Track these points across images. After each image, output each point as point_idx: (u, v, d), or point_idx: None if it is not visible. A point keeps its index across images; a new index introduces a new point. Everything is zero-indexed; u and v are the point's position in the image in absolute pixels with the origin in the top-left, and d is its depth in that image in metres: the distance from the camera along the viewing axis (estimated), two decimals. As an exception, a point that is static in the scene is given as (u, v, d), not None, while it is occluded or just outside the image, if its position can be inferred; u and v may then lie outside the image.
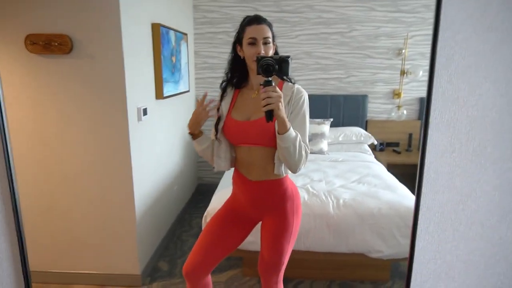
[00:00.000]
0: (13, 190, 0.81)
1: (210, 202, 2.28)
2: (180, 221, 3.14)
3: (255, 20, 1.39)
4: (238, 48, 1.44)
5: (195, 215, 3.26)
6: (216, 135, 1.49)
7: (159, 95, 2.52)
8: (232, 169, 1.58)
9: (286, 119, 1.24)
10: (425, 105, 0.67)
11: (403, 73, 3.44)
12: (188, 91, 3.28)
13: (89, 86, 1.99)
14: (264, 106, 1.17)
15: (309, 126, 3.32)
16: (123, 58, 1.95)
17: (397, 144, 3.51)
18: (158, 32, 2.41)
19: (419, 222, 0.71)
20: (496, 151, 0.69)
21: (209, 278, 1.61)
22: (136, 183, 2.17)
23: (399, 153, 3.42)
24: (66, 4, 1.88)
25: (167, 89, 2.64)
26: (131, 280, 2.25)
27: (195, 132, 1.47)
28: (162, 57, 2.48)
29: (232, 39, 1.48)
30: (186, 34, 3.15)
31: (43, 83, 1.98)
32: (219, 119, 1.49)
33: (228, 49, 1.51)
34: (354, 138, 3.37)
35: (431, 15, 0.63)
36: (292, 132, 1.27)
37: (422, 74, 3.31)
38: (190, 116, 1.45)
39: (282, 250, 1.46)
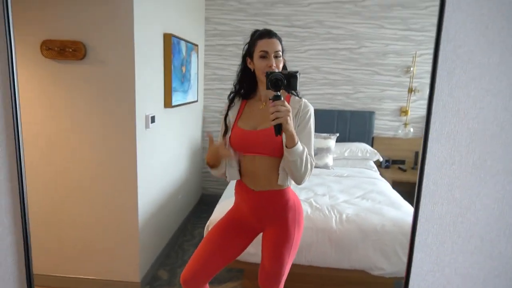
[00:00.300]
0: (22, 195, 0.82)
1: (213, 212, 2.29)
2: (183, 230, 3.13)
3: (266, 34, 1.42)
4: (248, 60, 1.47)
5: (197, 225, 3.25)
6: (225, 145, 1.52)
7: (168, 103, 2.56)
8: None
9: (295, 133, 1.27)
10: (426, 116, 0.68)
11: (410, 90, 3.44)
12: (196, 101, 3.32)
13: (100, 92, 2.03)
14: (273, 120, 1.21)
15: (315, 140, 3.34)
16: (135, 65, 1.99)
17: (403, 162, 3.49)
18: (170, 42, 2.46)
19: (417, 233, 0.71)
20: (496, 164, 0.69)
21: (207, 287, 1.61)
22: (141, 190, 2.18)
23: (404, 170, 3.39)
24: (81, 12, 1.94)
25: (176, 98, 2.67)
26: (130, 287, 2.24)
27: (215, 165, 1.49)
28: (172, 66, 2.52)
29: (241, 52, 1.52)
30: (197, 45, 3.21)
31: (56, 87, 2.03)
32: (227, 129, 1.52)
33: (237, 61, 1.54)
34: (359, 154, 3.36)
35: (440, 34, 0.64)
36: (299, 146, 1.30)
37: (430, 93, 3.30)
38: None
39: (282, 260, 1.46)
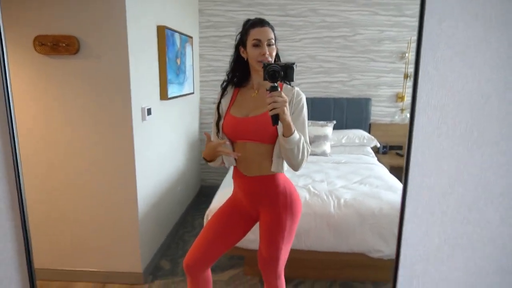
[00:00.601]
0: (20, 190, 0.84)
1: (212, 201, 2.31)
2: (183, 222, 3.16)
3: (259, 22, 1.44)
4: (241, 49, 1.48)
5: (197, 216, 3.28)
6: (217, 132, 1.54)
7: (164, 96, 2.57)
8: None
9: (291, 123, 1.30)
10: (412, 89, 0.69)
11: (406, 76, 3.45)
12: (192, 93, 3.32)
13: (94, 86, 2.03)
14: (271, 110, 1.23)
15: (312, 128, 3.34)
16: (129, 58, 1.99)
17: (400, 147, 3.51)
18: (163, 34, 2.46)
19: (407, 205, 0.73)
20: (482, 135, 0.70)
21: (209, 272, 1.64)
22: (139, 182, 2.20)
23: (402, 156, 3.41)
24: (73, 6, 1.94)
25: (172, 90, 2.68)
26: (133, 278, 2.27)
27: (212, 160, 1.52)
28: (167, 58, 2.53)
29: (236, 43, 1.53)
30: (191, 37, 3.21)
31: (50, 83, 2.03)
32: (219, 117, 1.54)
33: (232, 52, 1.55)
34: (357, 141, 3.38)
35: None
36: (296, 134, 1.33)
37: (425, 78, 3.31)
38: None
39: (277, 246, 1.48)
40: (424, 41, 0.67)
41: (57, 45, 1.96)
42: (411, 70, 3.43)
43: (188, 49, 3.11)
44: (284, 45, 3.49)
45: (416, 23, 0.68)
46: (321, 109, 3.56)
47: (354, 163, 3.02)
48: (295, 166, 1.41)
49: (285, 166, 1.50)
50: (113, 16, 1.95)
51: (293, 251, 2.09)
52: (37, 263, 1.06)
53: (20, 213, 0.84)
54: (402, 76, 3.50)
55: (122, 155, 2.11)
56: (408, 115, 2.70)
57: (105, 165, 2.13)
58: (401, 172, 2.93)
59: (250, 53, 1.42)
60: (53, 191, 2.16)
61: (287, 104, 1.25)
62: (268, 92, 1.23)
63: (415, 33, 0.67)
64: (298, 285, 2.28)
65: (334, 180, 2.58)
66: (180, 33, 2.85)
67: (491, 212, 0.72)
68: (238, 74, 1.55)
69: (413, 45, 3.37)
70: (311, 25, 3.52)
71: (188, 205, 3.37)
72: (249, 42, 1.42)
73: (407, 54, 3.42)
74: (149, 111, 2.29)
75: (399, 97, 3.55)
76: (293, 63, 1.27)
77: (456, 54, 0.68)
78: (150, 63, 2.37)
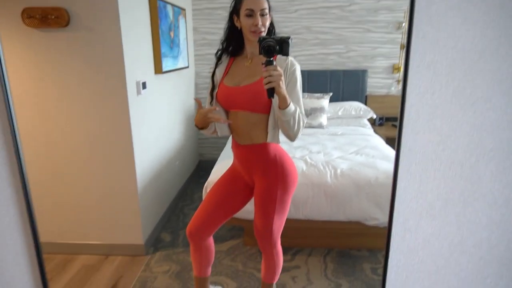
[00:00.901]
0: (20, 165, 0.84)
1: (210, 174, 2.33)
2: (182, 195, 3.20)
3: None
4: (235, 18, 1.46)
5: (196, 189, 3.32)
6: (211, 102, 1.55)
7: (158, 69, 2.54)
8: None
9: (287, 96, 1.31)
10: (405, 47, 0.69)
11: (403, 47, 3.41)
12: (187, 67, 3.29)
13: (87, 59, 2.01)
14: (266, 84, 1.24)
15: (309, 101, 3.33)
16: (121, 31, 1.96)
17: (396, 119, 3.51)
18: (155, 5, 2.41)
19: (400, 162, 0.74)
20: (475, 92, 0.71)
21: (211, 240, 1.68)
22: (137, 156, 2.21)
23: (398, 127, 3.43)
24: (61, -24, 1.88)
25: (166, 64, 2.65)
26: (135, 249, 2.33)
27: (204, 127, 1.51)
28: (160, 31, 2.48)
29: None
30: (184, 9, 3.14)
31: (42, 57, 2.01)
32: (213, 86, 1.54)
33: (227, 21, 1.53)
34: (353, 113, 3.39)
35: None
36: (292, 106, 1.34)
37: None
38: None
39: (269, 216, 1.51)
40: (418, -4, 0.66)
41: (46, 18, 1.92)
42: (408, 40, 3.39)
43: (181, 22, 3.06)
44: (279, 17, 3.43)
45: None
46: (317, 82, 3.54)
47: (350, 135, 3.04)
48: (291, 137, 1.43)
49: (282, 137, 1.51)
50: (102, -14, 1.90)
51: (290, 221, 2.15)
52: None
53: (23, 188, 0.85)
54: (399, 47, 3.46)
55: (119, 129, 2.11)
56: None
57: (102, 139, 2.13)
58: (397, 143, 2.95)
59: (243, 22, 1.41)
60: (50, 166, 2.17)
61: (282, 77, 1.26)
62: (263, 66, 1.24)
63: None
64: (296, 253, 2.34)
65: (330, 151, 2.61)
66: (173, 5, 2.79)
67: (482, 168, 0.74)
68: (233, 43, 1.53)
69: (410, 14, 3.33)
70: (306, -5, 3.44)
71: (187, 179, 3.41)
72: (242, 11, 1.40)
73: (404, 24, 3.37)
74: (144, 85, 2.27)
75: (396, 68, 3.53)
76: (289, 37, 1.26)
77: (449, 9, 0.67)
78: (143, 36, 2.33)
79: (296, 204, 2.19)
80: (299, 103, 1.44)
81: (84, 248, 2.32)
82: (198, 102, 1.46)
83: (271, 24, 1.47)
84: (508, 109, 0.72)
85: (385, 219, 2.17)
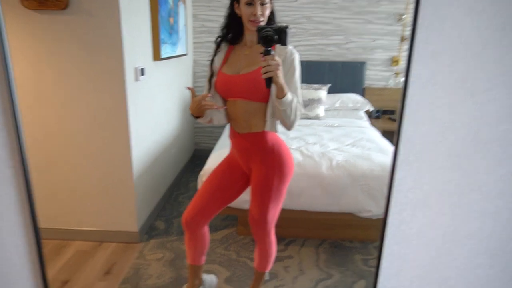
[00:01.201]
0: (21, 149, 0.83)
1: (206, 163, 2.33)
2: (177, 184, 3.20)
3: None
4: (236, 5, 1.44)
5: (191, 178, 3.32)
6: (209, 89, 1.54)
7: (157, 56, 2.51)
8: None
9: (285, 85, 1.31)
10: (410, 37, 0.69)
11: (403, 39, 3.41)
12: (186, 54, 3.26)
13: (86, 43, 1.98)
14: (264, 73, 1.24)
15: (307, 92, 3.32)
16: (120, 15, 1.93)
17: (393, 112, 3.53)
18: (155, -10, 2.37)
19: (399, 153, 0.74)
20: (476, 84, 0.71)
21: (207, 228, 1.69)
22: (134, 142, 2.20)
23: (394, 120, 3.44)
24: (59, -43, 1.84)
25: (165, 51, 2.62)
26: (129, 236, 2.33)
27: (200, 115, 1.48)
28: (159, 17, 2.45)
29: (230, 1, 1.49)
30: (183, -4, 3.10)
31: (39, 40, 1.97)
32: (212, 74, 1.53)
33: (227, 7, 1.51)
34: (350, 105, 3.38)
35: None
36: (289, 96, 1.34)
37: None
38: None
39: (265, 204, 1.52)
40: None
41: (45, 0, 1.88)
42: (408, 33, 3.37)
43: (181, 8, 3.02)
44: (280, 6, 3.40)
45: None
46: (315, 73, 3.53)
47: (347, 126, 3.04)
48: (288, 126, 1.43)
49: (279, 127, 1.51)
50: (102, -31, 1.86)
51: (285, 211, 2.15)
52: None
53: (23, 172, 0.85)
54: (399, 39, 3.45)
55: (116, 115, 2.10)
56: (403, 79, 2.69)
57: (99, 125, 2.11)
58: (392, 136, 2.97)
59: (243, 11, 1.39)
60: (46, 151, 2.16)
61: (281, 67, 1.26)
62: (262, 55, 1.24)
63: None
64: (289, 243, 2.35)
65: (327, 143, 2.61)
66: (172, -10, 2.75)
67: (478, 160, 0.74)
68: (232, 30, 1.52)
69: (411, 6, 3.31)
70: (307, -16, 3.41)
71: (182, 168, 3.40)
72: (242, 0, 1.38)
73: (405, 16, 3.35)
74: (142, 71, 2.25)
75: (394, 61, 3.52)
76: (287, 27, 1.26)
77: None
78: (142, 21, 2.30)
79: (291, 195, 2.19)
80: (296, 92, 1.44)
81: (79, 234, 2.32)
82: (191, 90, 1.45)
83: (272, 13, 1.46)
84: (508, 101, 0.72)
85: (378, 211, 2.19)
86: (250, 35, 1.46)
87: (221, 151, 2.35)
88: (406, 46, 3.43)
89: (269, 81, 1.26)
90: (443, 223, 0.80)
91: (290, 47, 1.45)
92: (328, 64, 3.54)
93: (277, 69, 1.24)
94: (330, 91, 3.46)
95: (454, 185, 0.76)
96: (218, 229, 2.50)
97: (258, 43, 1.25)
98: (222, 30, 1.54)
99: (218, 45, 1.55)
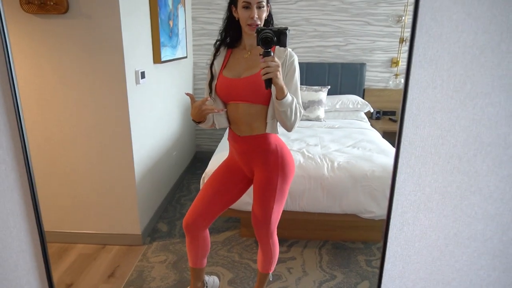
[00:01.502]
0: (26, 155, 0.84)
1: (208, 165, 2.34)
2: (179, 186, 3.21)
3: None
4: (233, 9, 1.46)
5: (193, 180, 3.33)
6: (210, 93, 1.54)
7: (157, 59, 2.52)
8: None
9: (284, 86, 1.32)
10: (409, 41, 0.70)
11: (402, 40, 3.42)
12: (186, 57, 3.27)
13: (86, 47, 1.99)
14: (264, 75, 1.25)
15: (307, 93, 3.33)
16: (120, 18, 1.94)
17: (393, 113, 3.54)
18: (155, -6, 2.38)
19: (400, 156, 0.76)
20: (475, 87, 0.72)
21: (207, 233, 1.69)
22: (135, 145, 2.21)
23: (395, 121, 3.45)
24: (60, -38, 1.86)
25: (165, 54, 2.63)
26: (132, 239, 2.34)
27: (201, 120, 1.49)
28: (159, 20, 2.46)
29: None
30: (183, -1, 3.11)
31: (40, 44, 1.99)
32: (212, 78, 1.54)
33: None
34: (351, 106, 3.40)
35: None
36: (289, 97, 1.35)
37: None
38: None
39: (268, 205, 1.53)
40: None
41: (45, 4, 1.89)
42: (407, 34, 3.39)
43: (180, 11, 3.03)
44: (279, 8, 3.41)
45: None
46: (315, 74, 3.54)
47: (347, 128, 3.05)
48: (288, 127, 1.44)
49: (280, 129, 1.52)
50: (102, -27, 1.88)
51: (287, 213, 2.17)
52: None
53: (28, 176, 0.86)
54: (398, 40, 3.46)
55: (118, 118, 2.11)
56: (402, 81, 2.70)
57: (101, 129, 2.12)
58: (393, 137, 2.98)
59: (240, 14, 1.41)
60: (48, 155, 2.17)
61: (280, 68, 1.27)
62: (261, 57, 1.25)
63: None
64: (292, 245, 2.36)
65: (328, 144, 2.62)
66: (172, -6, 2.76)
67: (479, 162, 0.75)
68: (231, 33, 1.53)
69: (410, 8, 3.32)
70: (306, -13, 3.42)
71: (183, 170, 3.41)
72: (239, 3, 1.40)
73: (403, 17, 3.36)
74: (142, 74, 2.26)
75: (394, 62, 3.54)
76: (286, 28, 1.27)
77: (453, 4, 0.68)
78: (142, 24, 2.32)
79: (293, 196, 2.21)
80: (296, 94, 1.45)
81: (81, 237, 2.33)
82: (190, 96, 1.45)
83: (269, 15, 1.47)
84: (507, 104, 0.73)
85: (380, 212, 2.20)
86: (249, 39, 1.47)
87: (223, 153, 2.36)
88: (405, 47, 3.45)
89: (269, 82, 1.27)
90: (445, 225, 0.81)
91: (289, 49, 1.46)
92: (328, 65, 3.56)
93: (277, 70, 1.24)
94: (330, 93, 3.47)
95: (456, 188, 0.77)
96: (221, 231, 2.51)
97: (258, 44, 1.26)
98: (220, 34, 1.55)
99: (217, 49, 1.56)
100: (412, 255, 0.84)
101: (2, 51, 0.81)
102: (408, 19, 3.37)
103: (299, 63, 1.49)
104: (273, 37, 1.24)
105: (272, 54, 1.25)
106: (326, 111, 3.36)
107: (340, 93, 3.57)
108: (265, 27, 1.30)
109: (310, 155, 2.38)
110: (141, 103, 2.30)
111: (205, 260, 1.75)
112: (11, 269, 0.87)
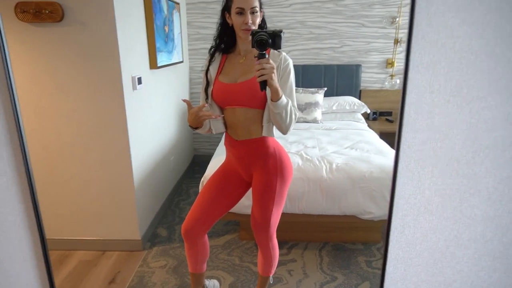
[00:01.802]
0: (26, 161, 0.85)
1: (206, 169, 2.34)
2: (178, 190, 3.21)
3: None
4: (227, 15, 1.47)
5: (191, 184, 3.33)
6: (206, 99, 1.55)
7: (153, 64, 2.53)
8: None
9: (279, 88, 1.33)
10: (406, 47, 0.71)
11: (396, 41, 3.44)
12: (182, 61, 3.28)
13: (82, 55, 1.99)
14: (259, 76, 1.26)
15: (303, 96, 3.34)
16: (116, 25, 1.95)
17: (390, 113, 3.56)
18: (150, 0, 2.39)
19: (400, 160, 0.76)
20: (471, 91, 0.73)
21: (206, 239, 1.70)
22: (133, 151, 2.21)
23: (391, 122, 3.47)
24: (55, -30, 1.86)
25: (161, 59, 2.64)
26: (132, 245, 2.33)
27: (198, 126, 1.50)
28: (154, 26, 2.47)
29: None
30: (178, 3, 3.12)
31: (36, 52, 1.98)
32: (208, 84, 1.55)
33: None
34: (347, 107, 3.41)
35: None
36: (284, 99, 1.36)
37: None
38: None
39: (268, 208, 1.54)
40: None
41: (40, 12, 1.89)
42: (401, 35, 3.42)
43: (175, 16, 3.04)
44: (273, 11, 3.43)
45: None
46: (311, 76, 3.56)
47: (345, 129, 3.07)
48: (283, 130, 1.45)
49: (277, 132, 1.53)
50: (97, -19, 1.88)
51: (286, 215, 2.18)
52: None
53: (29, 185, 0.86)
54: (393, 41, 3.48)
55: (115, 125, 2.11)
56: (398, 81, 2.73)
57: (99, 135, 2.12)
58: (390, 138, 3.00)
59: (234, 20, 1.42)
60: (46, 163, 2.16)
61: (275, 70, 1.28)
62: (256, 59, 1.26)
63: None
64: (292, 247, 2.37)
65: (325, 146, 2.63)
66: (167, -1, 2.77)
67: (478, 164, 0.76)
68: (225, 39, 1.54)
69: (404, 9, 3.35)
70: (300, -11, 3.44)
71: (182, 174, 3.41)
72: (233, 9, 1.41)
73: (397, 19, 3.39)
74: (139, 80, 2.26)
75: (389, 63, 3.56)
76: (281, 31, 1.28)
77: (448, 10, 0.69)
78: (138, 31, 2.32)
79: (292, 199, 2.22)
80: (291, 96, 1.46)
81: (81, 244, 2.32)
82: (187, 103, 1.46)
83: (263, 20, 1.49)
84: (503, 107, 0.74)
85: (379, 213, 2.21)
86: (243, 44, 1.49)
87: (221, 157, 2.36)
88: (400, 48, 3.47)
89: (264, 84, 1.28)
90: (445, 227, 0.82)
91: (283, 53, 1.48)
92: (324, 67, 3.57)
93: (272, 72, 1.25)
94: (327, 95, 3.49)
95: (455, 190, 0.78)
96: (221, 234, 2.52)
97: (253, 46, 1.27)
98: (215, 40, 1.56)
99: (212, 55, 1.57)
100: (413, 257, 0.85)
101: (2, 63, 0.81)
102: (402, 20, 3.40)
103: (295, 66, 1.51)
104: (268, 39, 1.25)
105: (267, 56, 1.26)
106: (323, 113, 3.38)
107: (337, 95, 3.58)
108: (260, 30, 1.31)
109: (308, 157, 2.39)
110: (138, 108, 2.30)
111: (205, 265, 1.76)
112: (14, 281, 0.87)
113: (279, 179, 1.54)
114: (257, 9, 1.41)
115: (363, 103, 3.43)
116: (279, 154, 1.55)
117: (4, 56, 0.82)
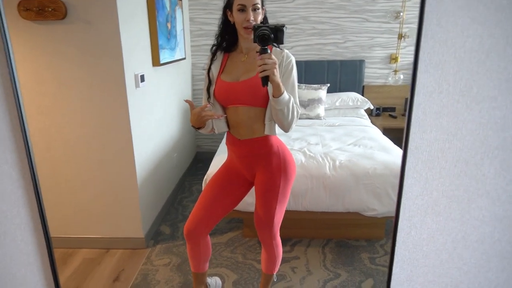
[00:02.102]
0: (31, 161, 0.84)
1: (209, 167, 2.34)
2: (181, 187, 3.21)
3: None
4: (229, 13, 1.45)
5: (194, 181, 3.33)
6: (208, 98, 1.54)
7: (156, 62, 2.52)
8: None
9: (281, 84, 1.32)
10: (415, 47, 0.70)
11: (400, 36, 3.41)
12: (184, 58, 3.26)
13: (85, 53, 1.98)
14: (261, 72, 1.24)
15: (306, 92, 3.33)
16: (119, 23, 1.94)
17: (393, 109, 3.54)
18: (152, -4, 2.37)
19: (407, 160, 0.76)
20: (481, 91, 0.72)
21: (209, 239, 1.69)
22: (136, 149, 2.21)
23: (395, 117, 3.45)
24: (57, -33, 1.84)
25: (164, 56, 2.63)
26: (135, 243, 2.34)
27: (200, 126, 1.49)
28: (157, 22, 2.45)
29: None
30: (180, 0, 3.10)
31: (39, 50, 1.98)
32: (210, 82, 1.53)
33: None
34: (350, 103, 3.39)
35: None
36: (286, 95, 1.35)
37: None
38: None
39: (271, 206, 1.54)
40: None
41: (43, 10, 1.88)
42: (405, 30, 3.39)
43: (178, 13, 3.02)
44: (276, 7, 3.40)
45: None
46: (314, 72, 3.54)
47: (348, 126, 3.05)
48: (285, 127, 1.44)
49: (277, 129, 1.52)
50: (99, -22, 1.87)
51: (290, 212, 2.17)
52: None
53: (33, 183, 0.86)
54: (396, 36, 3.45)
55: (118, 123, 2.10)
56: (402, 77, 2.70)
57: (102, 133, 2.12)
58: (394, 133, 2.98)
59: (236, 17, 1.41)
60: (49, 161, 2.17)
61: (277, 66, 1.26)
62: (258, 54, 1.24)
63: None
64: (295, 244, 2.37)
65: (329, 143, 2.62)
66: (169, -5, 2.75)
67: (486, 166, 0.75)
68: (227, 37, 1.53)
69: (408, 4, 3.31)
70: (304, -16, 3.41)
71: (184, 171, 3.41)
72: (235, 6, 1.40)
73: (401, 13, 3.36)
74: (142, 78, 2.26)
75: (393, 58, 3.53)
76: (283, 25, 1.27)
77: (459, 9, 0.68)
78: (141, 28, 2.31)
79: (296, 196, 2.21)
80: (293, 93, 1.45)
81: (85, 242, 2.33)
82: (189, 103, 1.45)
83: (265, 18, 1.48)
84: (513, 107, 0.73)
85: (383, 210, 2.21)
86: (245, 42, 1.47)
87: (224, 154, 2.34)
88: (404, 43, 3.44)
89: (266, 79, 1.27)
90: (453, 228, 0.81)
91: (286, 51, 1.47)
92: (327, 63, 3.55)
93: (274, 67, 1.24)
94: (330, 91, 3.47)
95: (463, 191, 0.77)
96: (224, 232, 2.52)
97: (255, 41, 1.25)
98: (216, 38, 1.55)
99: (213, 54, 1.56)
100: (420, 258, 0.85)
101: (6, 63, 0.81)
102: (406, 15, 3.36)
103: (298, 62, 1.49)
104: (270, 34, 1.23)
105: (269, 51, 1.25)
106: (326, 109, 3.36)
107: (340, 91, 3.56)
108: (262, 24, 1.29)
109: (311, 154, 2.39)
110: (141, 106, 2.29)
111: (207, 264, 1.75)
112: (20, 283, 0.87)
113: (283, 178, 1.53)
114: (259, 6, 1.40)
115: (366, 99, 3.41)
116: (282, 153, 1.54)
117: (8, 55, 0.81)
